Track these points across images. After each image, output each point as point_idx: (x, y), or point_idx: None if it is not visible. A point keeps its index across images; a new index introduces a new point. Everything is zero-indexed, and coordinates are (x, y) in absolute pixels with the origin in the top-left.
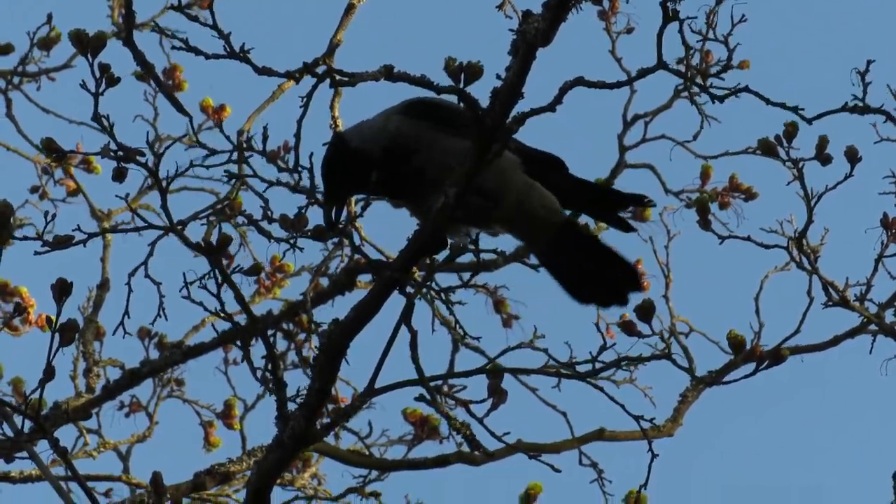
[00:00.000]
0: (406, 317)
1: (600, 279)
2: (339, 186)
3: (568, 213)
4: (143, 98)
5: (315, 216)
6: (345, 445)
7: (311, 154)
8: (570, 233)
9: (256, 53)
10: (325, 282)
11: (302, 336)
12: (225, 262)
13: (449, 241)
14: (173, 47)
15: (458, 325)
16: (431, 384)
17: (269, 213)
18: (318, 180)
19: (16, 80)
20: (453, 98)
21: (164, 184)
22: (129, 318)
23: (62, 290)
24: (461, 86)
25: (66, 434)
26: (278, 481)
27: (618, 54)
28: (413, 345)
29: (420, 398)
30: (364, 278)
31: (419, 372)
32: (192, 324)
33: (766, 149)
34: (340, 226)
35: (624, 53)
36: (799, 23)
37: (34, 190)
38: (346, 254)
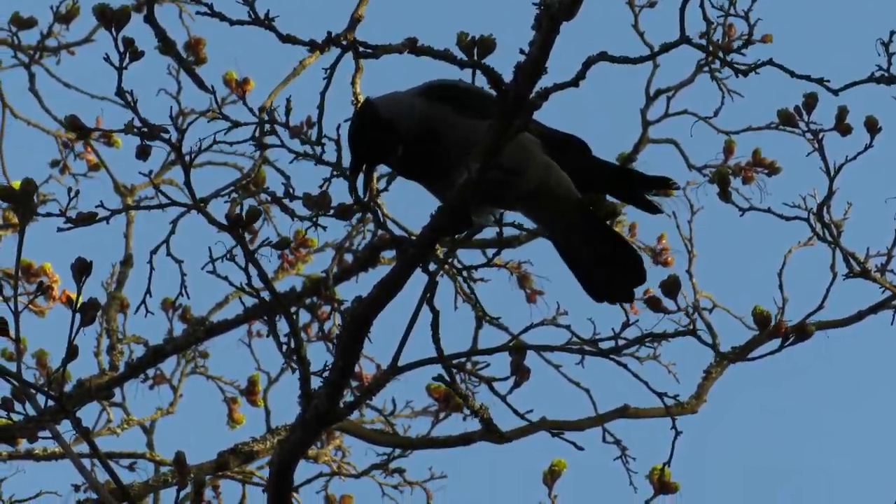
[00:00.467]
0: (428, 296)
1: (611, 268)
2: (365, 155)
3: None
4: (167, 72)
5: (339, 191)
6: (368, 419)
7: (339, 126)
8: (585, 216)
9: (279, 24)
10: (349, 258)
11: (326, 308)
12: (248, 237)
13: (473, 220)
14: (198, 13)
15: (477, 304)
16: (455, 361)
17: (290, 189)
18: (344, 152)
19: (36, 54)
20: (472, 75)
21: (187, 160)
22: (150, 296)
23: (82, 269)
24: (480, 61)
25: (90, 410)
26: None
27: (640, 28)
28: (434, 325)
29: (439, 378)
30: (388, 254)
31: (439, 353)
32: (216, 300)
33: (786, 119)
34: (364, 199)
35: (647, 28)
36: None
37: (55, 164)
38: (368, 230)
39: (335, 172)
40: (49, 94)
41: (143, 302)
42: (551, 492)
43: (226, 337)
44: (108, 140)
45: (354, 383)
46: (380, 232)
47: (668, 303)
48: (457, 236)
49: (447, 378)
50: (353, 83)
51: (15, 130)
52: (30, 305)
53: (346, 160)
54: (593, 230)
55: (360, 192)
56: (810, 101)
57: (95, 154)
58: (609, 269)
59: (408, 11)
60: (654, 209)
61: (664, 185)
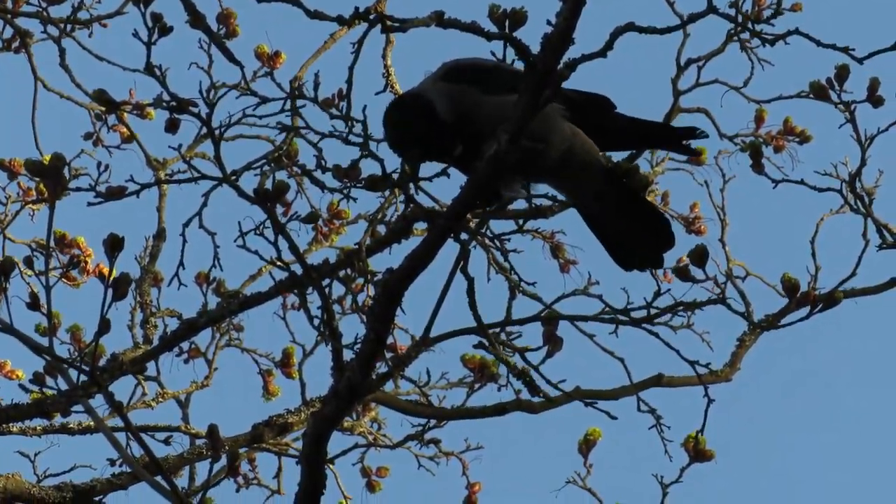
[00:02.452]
0: (462, 264)
1: (640, 234)
2: (422, 154)
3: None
4: (198, 46)
5: (367, 164)
6: (403, 391)
7: (365, 107)
8: (612, 182)
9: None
10: (382, 229)
11: (360, 280)
12: (282, 209)
13: (502, 193)
14: None
15: (512, 272)
16: (488, 331)
17: (322, 161)
18: (373, 131)
19: (68, 27)
20: (504, 48)
21: (216, 134)
22: (183, 268)
23: (114, 245)
24: (507, 33)
25: (124, 383)
26: (338, 427)
27: None
28: (470, 291)
29: (479, 345)
30: (421, 226)
31: (477, 319)
32: (250, 273)
33: (818, 92)
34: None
35: None
36: None
37: (88, 137)
38: (400, 201)
39: (363, 153)
40: (81, 66)
41: (177, 274)
42: (586, 461)
43: (260, 310)
44: (141, 112)
45: (389, 354)
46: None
47: (697, 272)
48: (487, 208)
49: (486, 343)
50: (383, 56)
51: (48, 103)
52: (63, 278)
53: (374, 140)
54: (620, 196)
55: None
56: (842, 73)
57: (127, 127)
58: (637, 236)
59: None
60: (691, 151)
61: (692, 135)
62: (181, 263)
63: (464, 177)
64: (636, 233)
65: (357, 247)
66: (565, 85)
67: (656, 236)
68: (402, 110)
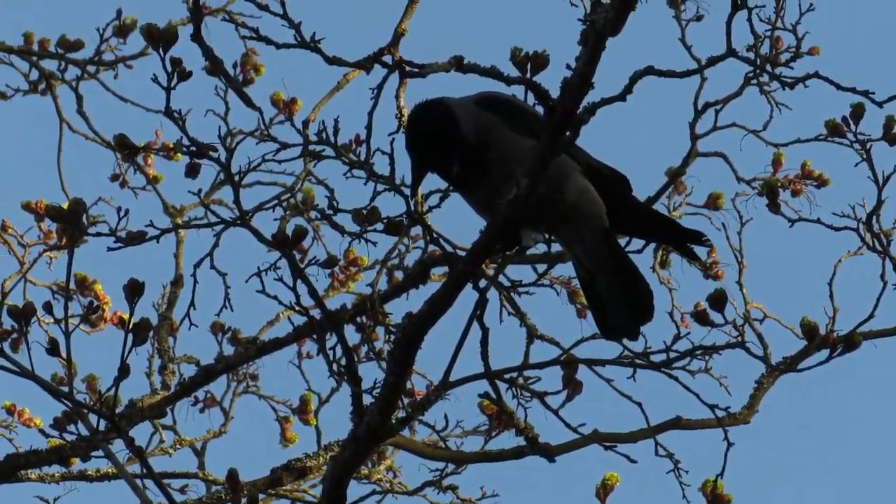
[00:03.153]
0: (478, 313)
1: (623, 302)
2: (430, 154)
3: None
4: (214, 93)
5: (388, 206)
6: (420, 438)
7: (392, 139)
8: (609, 245)
9: (324, 43)
10: (399, 275)
11: (378, 330)
12: (298, 256)
13: (526, 240)
14: (243, 37)
15: (524, 320)
16: (507, 376)
17: (335, 203)
18: (398, 165)
19: (91, 69)
20: (525, 93)
21: (236, 179)
22: (194, 308)
23: (134, 290)
24: (527, 76)
25: (141, 431)
26: (354, 475)
27: (687, 42)
28: (484, 343)
29: (485, 395)
30: (438, 271)
31: (487, 369)
32: (267, 318)
33: (833, 130)
34: (415, 214)
35: (694, 41)
36: (867, 6)
37: (114, 178)
38: (415, 246)
39: (386, 187)
40: (108, 107)
41: (188, 315)
42: None
43: (277, 355)
44: (168, 154)
45: (406, 399)
46: (430, 248)
47: (715, 316)
48: (506, 253)
49: (493, 395)
50: (397, 97)
51: (74, 144)
52: (84, 323)
53: (399, 172)
54: (613, 260)
55: (418, 187)
56: (857, 112)
57: (143, 173)
58: (620, 303)
59: (450, 24)
60: (694, 257)
61: (698, 240)
62: (192, 304)
63: (467, 204)
64: (620, 300)
65: (370, 287)
66: (595, 146)
67: (637, 307)
68: (424, 111)
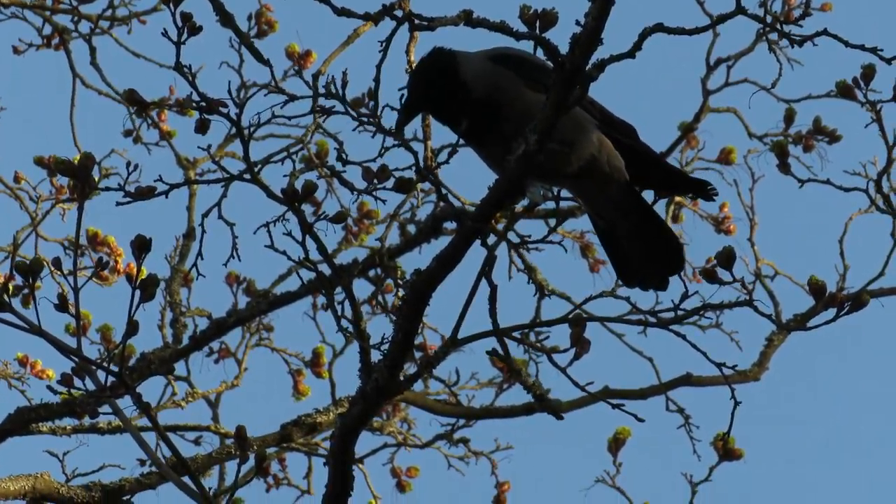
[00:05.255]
0: (486, 270)
1: (650, 255)
2: (424, 98)
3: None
4: (229, 45)
5: (398, 160)
6: (433, 391)
7: (402, 95)
8: (632, 197)
9: None
10: (412, 229)
11: (389, 281)
12: (312, 209)
13: (529, 192)
14: None
15: (530, 279)
16: (517, 333)
17: (344, 155)
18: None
19: (105, 24)
20: (534, 48)
21: (245, 134)
22: (202, 259)
23: (141, 246)
24: (537, 33)
25: (154, 383)
26: (367, 427)
27: None
28: (492, 300)
29: (493, 352)
30: (450, 225)
31: (495, 326)
32: (280, 272)
33: (844, 91)
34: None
35: None
36: None
37: (128, 133)
38: (423, 199)
39: (395, 141)
40: (122, 62)
41: (195, 265)
42: (616, 460)
43: (290, 309)
44: (181, 109)
45: (418, 355)
46: (441, 204)
47: (725, 274)
48: (515, 209)
49: (501, 352)
50: (407, 52)
51: (87, 100)
52: (94, 278)
53: (409, 127)
54: (638, 213)
55: (403, 126)
56: (868, 73)
57: (157, 127)
58: (647, 255)
59: None
60: (707, 195)
61: (703, 189)
62: (199, 254)
63: (487, 169)
64: (646, 253)
65: (378, 242)
66: (608, 96)
67: (667, 259)
68: (429, 55)
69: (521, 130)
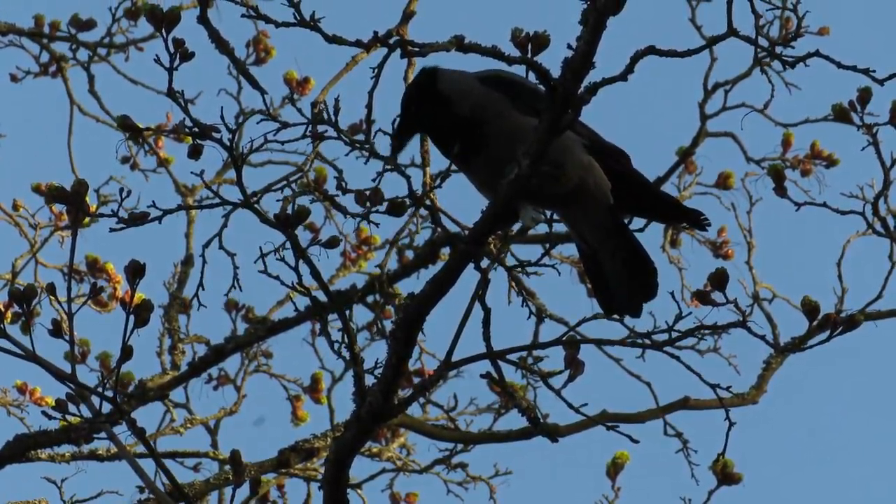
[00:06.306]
0: (480, 293)
1: (626, 280)
2: (414, 122)
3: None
4: (227, 72)
5: (392, 186)
6: (432, 416)
7: (394, 122)
8: (614, 221)
9: (329, 23)
10: (410, 254)
11: (389, 308)
12: (310, 235)
13: (520, 216)
14: (243, 16)
15: (525, 303)
16: (515, 356)
17: (343, 183)
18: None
19: (102, 51)
20: (526, 72)
21: (239, 160)
22: (203, 289)
23: (135, 272)
24: (528, 56)
25: (153, 410)
26: (366, 453)
27: (698, 23)
28: (486, 323)
29: (486, 375)
30: (447, 251)
31: (489, 349)
32: (278, 298)
33: (841, 115)
34: (418, 194)
35: (705, 22)
36: None
37: (125, 160)
38: (421, 225)
39: (389, 166)
40: (120, 89)
41: (196, 295)
42: (614, 484)
43: (289, 335)
44: (178, 136)
45: (416, 379)
46: (438, 230)
47: (719, 296)
48: (508, 233)
49: (495, 375)
50: (405, 78)
51: (85, 127)
52: (91, 304)
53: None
54: (618, 237)
55: (398, 151)
56: (864, 96)
57: (155, 153)
58: (623, 281)
59: (459, 6)
60: (700, 224)
61: (696, 219)
62: (201, 284)
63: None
64: (624, 277)
65: (378, 268)
66: (601, 122)
67: (641, 285)
68: (417, 75)
69: (513, 153)
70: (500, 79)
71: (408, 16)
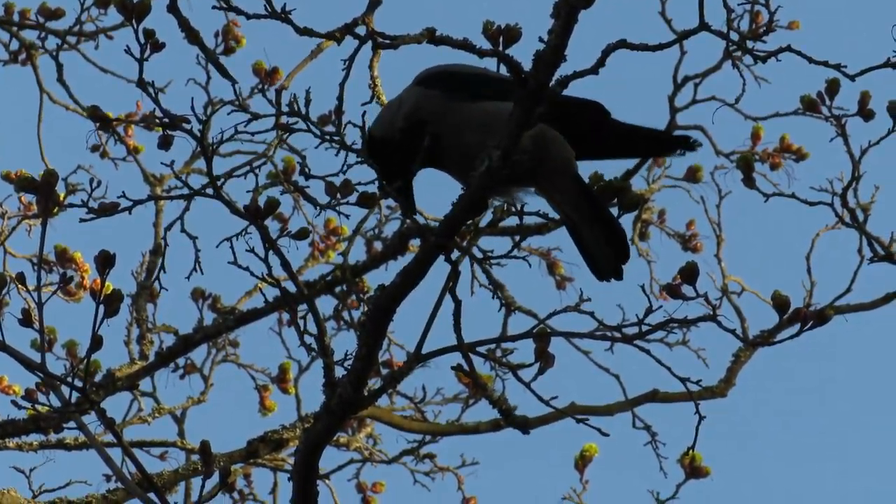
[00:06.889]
0: (450, 285)
1: (605, 245)
2: (391, 171)
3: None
4: (196, 62)
5: (361, 175)
6: (399, 406)
7: (364, 112)
8: (580, 189)
9: (299, 14)
10: (379, 246)
11: (354, 298)
12: (279, 226)
13: (491, 204)
14: (214, 7)
15: (496, 294)
16: (484, 349)
17: (307, 169)
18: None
19: (72, 39)
20: (497, 65)
21: (209, 150)
22: (164, 272)
23: (105, 262)
24: (500, 49)
25: (121, 399)
26: (333, 443)
27: (668, 16)
28: (456, 315)
29: (457, 368)
30: (416, 242)
31: (460, 341)
32: (246, 289)
33: (809, 106)
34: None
35: (675, 15)
36: None
37: (95, 149)
38: (390, 216)
39: (359, 158)
40: (88, 79)
41: (157, 278)
42: (583, 477)
43: (256, 325)
44: (148, 125)
45: (384, 371)
46: (407, 221)
47: (687, 290)
48: (478, 222)
49: (466, 367)
50: (370, 67)
51: (55, 115)
52: (61, 294)
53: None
54: (586, 204)
55: (410, 204)
56: (832, 88)
57: (123, 143)
58: (602, 246)
59: None
60: (690, 146)
61: (687, 143)
62: (162, 267)
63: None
64: (601, 242)
65: (341, 255)
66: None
67: (616, 248)
68: (365, 148)
69: (465, 139)
70: (438, 74)
71: (374, 4)
